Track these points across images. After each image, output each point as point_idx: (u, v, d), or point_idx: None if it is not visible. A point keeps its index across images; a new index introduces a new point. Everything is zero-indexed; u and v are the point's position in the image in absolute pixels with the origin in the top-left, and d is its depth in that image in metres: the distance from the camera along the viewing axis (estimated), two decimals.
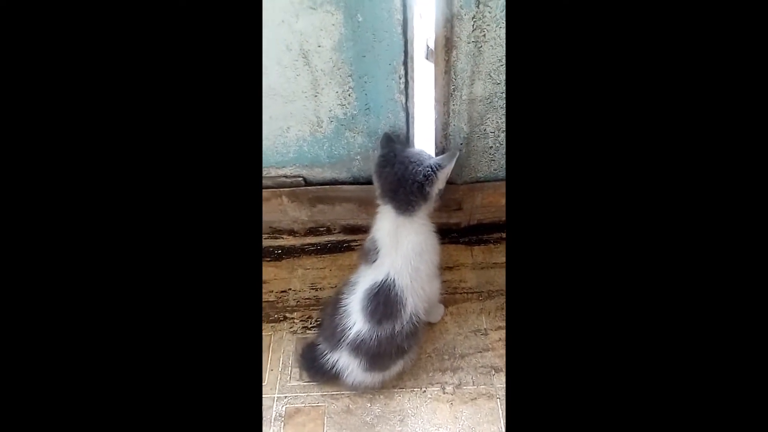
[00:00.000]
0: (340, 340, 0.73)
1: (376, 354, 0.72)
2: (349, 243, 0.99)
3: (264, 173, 0.89)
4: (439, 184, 0.71)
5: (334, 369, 0.75)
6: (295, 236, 0.99)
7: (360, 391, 0.79)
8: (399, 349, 0.73)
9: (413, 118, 0.78)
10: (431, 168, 0.68)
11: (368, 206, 0.93)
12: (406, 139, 0.80)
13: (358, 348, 0.72)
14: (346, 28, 0.66)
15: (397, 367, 0.77)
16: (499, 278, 0.93)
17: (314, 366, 0.78)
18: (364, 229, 0.98)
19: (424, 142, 0.83)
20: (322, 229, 0.99)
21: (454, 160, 0.70)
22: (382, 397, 0.80)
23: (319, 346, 0.77)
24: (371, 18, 0.64)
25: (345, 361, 0.74)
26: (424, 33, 0.68)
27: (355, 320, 0.72)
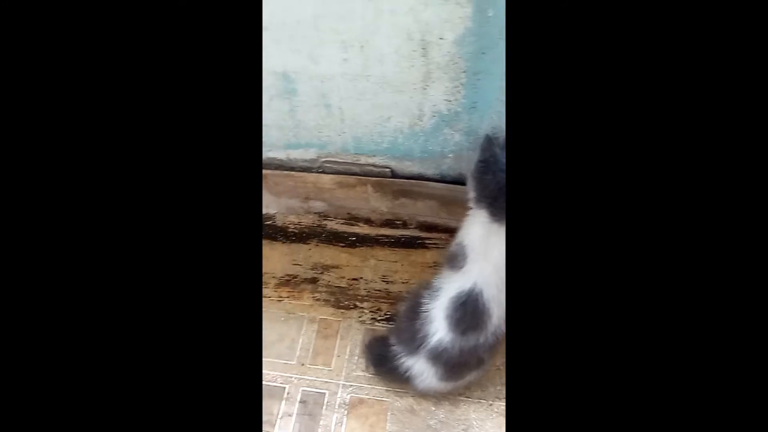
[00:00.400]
0: (419, 346, 0.71)
1: (455, 364, 0.70)
2: (423, 240, 0.98)
3: (353, 160, 0.89)
4: None
5: (407, 373, 0.74)
6: (370, 225, 0.99)
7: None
8: (479, 360, 0.72)
9: None
10: None
11: (450, 205, 0.92)
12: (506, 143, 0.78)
13: (438, 356, 0.70)
14: (473, 23, 0.64)
15: (471, 377, 0.76)
16: None
17: (384, 364, 0.77)
18: (440, 228, 0.96)
19: None
20: (398, 222, 0.98)
21: None
22: (447, 403, 0.79)
23: (394, 347, 0.76)
24: (502, 14, 0.62)
25: (421, 368, 0.73)
26: None
27: (438, 328, 0.70)
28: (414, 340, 0.72)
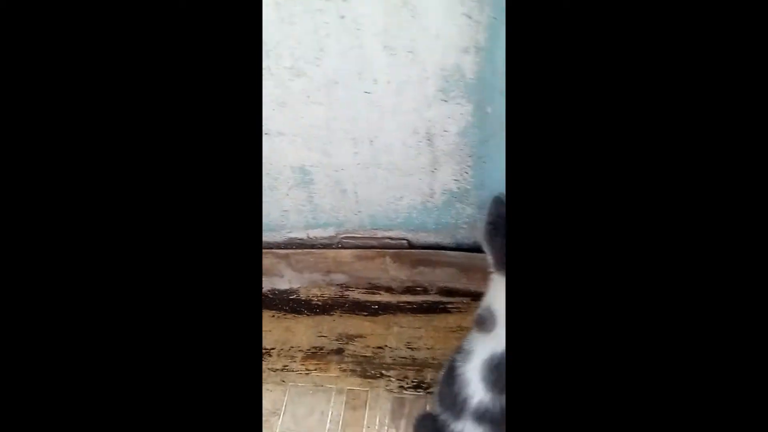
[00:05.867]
0: (462, 409, 0.74)
1: (500, 421, 0.72)
2: (445, 305, 1.00)
3: (370, 234, 0.93)
4: None
5: None
6: (392, 293, 1.02)
7: None
8: None
9: None
10: None
11: (469, 272, 0.94)
12: None
13: (483, 416, 0.72)
14: (474, 117, 0.68)
15: None
16: None
17: None
18: (461, 293, 0.99)
19: None
20: (419, 288, 1.01)
21: None
22: None
23: (440, 416, 0.78)
24: (500, 110, 0.66)
25: (470, 430, 0.74)
26: None
27: (476, 390, 0.73)
28: (456, 404, 0.74)
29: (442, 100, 0.67)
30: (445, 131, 0.71)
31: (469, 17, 0.57)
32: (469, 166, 0.76)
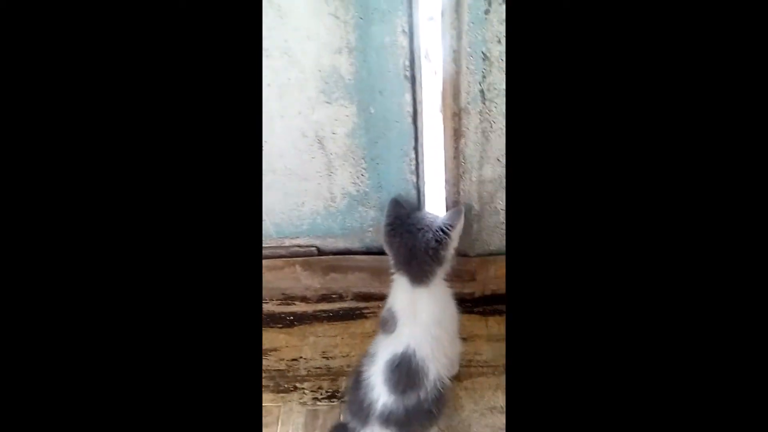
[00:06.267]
0: (368, 414, 0.72)
1: (406, 423, 0.71)
2: (362, 310, 0.99)
3: (277, 243, 0.91)
4: (453, 243, 0.70)
5: None
6: (307, 302, 1.00)
7: None
8: (429, 414, 0.73)
9: (424, 196, 0.80)
10: (442, 230, 0.68)
11: (381, 275, 0.94)
12: (417, 202, 0.80)
13: (388, 420, 0.71)
14: (359, 118, 0.69)
15: (433, 431, 0.76)
16: None
17: None
18: (376, 297, 0.98)
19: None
20: (334, 296, 0.99)
21: (462, 215, 0.70)
22: None
23: (349, 424, 0.76)
24: (383, 110, 0.67)
25: None
26: (435, 124, 0.70)
27: (380, 393, 0.72)
28: (362, 410, 0.73)
29: (325, 102, 0.67)
30: (334, 133, 0.71)
31: (336, 17, 0.58)
32: (364, 168, 0.76)
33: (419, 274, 0.70)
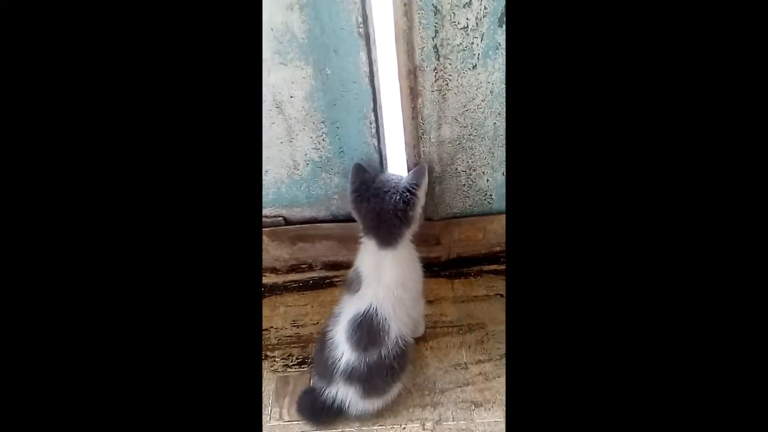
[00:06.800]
0: (333, 372, 0.74)
1: (369, 379, 0.73)
2: (331, 279, 1.00)
3: None
4: (420, 202, 0.72)
5: (335, 403, 0.76)
6: (277, 274, 1.00)
7: (347, 425, 0.79)
8: (391, 370, 0.75)
9: (386, 159, 0.81)
10: (408, 191, 0.69)
11: (348, 243, 0.95)
12: (380, 165, 0.81)
13: (351, 376, 0.73)
14: (316, 80, 0.69)
15: (395, 388, 0.78)
16: (480, 311, 0.94)
17: (316, 408, 0.77)
18: (345, 265, 0.99)
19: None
20: (303, 266, 1.00)
21: (426, 173, 0.71)
22: None
23: (316, 385, 0.78)
24: (339, 71, 0.67)
25: (342, 392, 0.75)
26: (391, 83, 0.71)
27: (343, 351, 0.73)
28: (327, 369, 0.75)
29: (280, 63, 0.66)
30: (292, 97, 0.71)
31: None
32: (324, 133, 0.77)
33: (388, 237, 0.71)
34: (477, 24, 0.62)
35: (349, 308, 0.74)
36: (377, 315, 0.72)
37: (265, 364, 0.90)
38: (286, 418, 0.82)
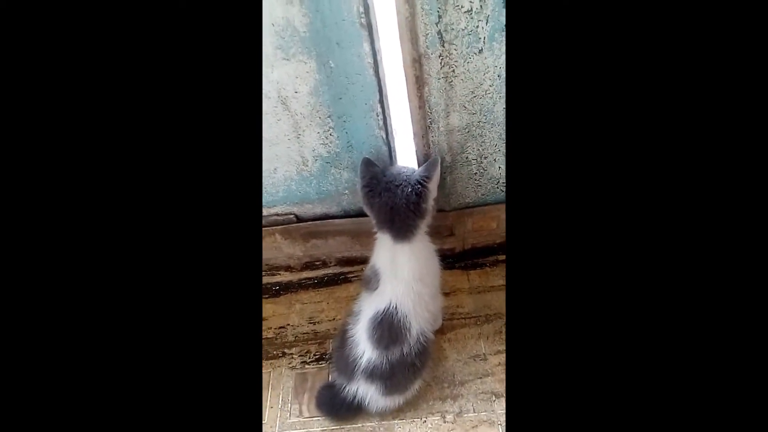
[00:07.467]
0: (353, 370, 0.74)
1: (390, 377, 0.73)
2: (346, 275, 1.00)
3: None
4: (433, 194, 0.71)
5: (355, 400, 0.76)
6: (291, 272, 1.00)
7: (365, 421, 0.79)
8: (412, 368, 0.74)
9: (395, 151, 0.80)
10: (420, 184, 0.68)
11: (361, 237, 0.94)
12: (389, 157, 0.80)
13: (372, 374, 0.73)
14: (320, 74, 0.68)
15: (416, 385, 0.78)
16: (496, 302, 0.93)
17: (336, 403, 0.78)
18: (359, 261, 0.99)
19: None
20: (317, 263, 1.00)
21: (438, 165, 0.70)
22: (382, 429, 0.80)
23: (336, 381, 0.78)
24: (343, 63, 0.67)
25: (363, 390, 0.75)
26: (396, 72, 0.70)
27: (364, 349, 0.73)
28: (348, 366, 0.75)
29: (283, 59, 0.66)
30: (297, 92, 0.70)
31: None
32: (331, 127, 0.76)
33: (402, 230, 0.70)
34: (481, 6, 0.60)
35: (369, 306, 0.74)
36: (398, 312, 0.71)
37: (283, 362, 0.90)
38: (306, 414, 0.82)
